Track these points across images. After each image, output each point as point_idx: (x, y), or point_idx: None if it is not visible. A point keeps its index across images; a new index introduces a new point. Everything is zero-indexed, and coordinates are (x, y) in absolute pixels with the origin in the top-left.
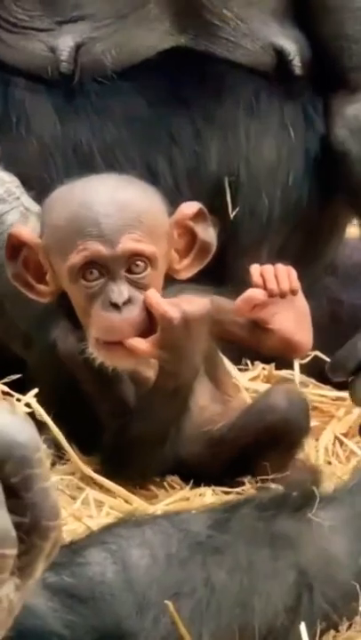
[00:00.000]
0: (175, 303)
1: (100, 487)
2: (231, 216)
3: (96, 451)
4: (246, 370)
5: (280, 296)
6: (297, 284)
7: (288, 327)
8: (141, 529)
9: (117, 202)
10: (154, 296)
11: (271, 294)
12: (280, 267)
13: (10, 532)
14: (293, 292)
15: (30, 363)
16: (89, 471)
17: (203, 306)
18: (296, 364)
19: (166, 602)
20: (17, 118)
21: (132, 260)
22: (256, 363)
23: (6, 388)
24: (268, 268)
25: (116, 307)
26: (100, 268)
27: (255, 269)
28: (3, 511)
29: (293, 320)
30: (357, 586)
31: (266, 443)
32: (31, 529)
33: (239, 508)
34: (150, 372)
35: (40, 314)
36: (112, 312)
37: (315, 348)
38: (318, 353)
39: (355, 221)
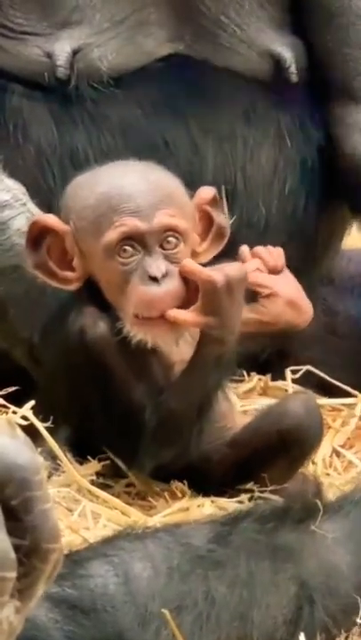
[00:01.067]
0: (215, 268)
1: (97, 498)
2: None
3: (101, 454)
4: (242, 381)
5: (273, 271)
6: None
7: (291, 290)
8: (143, 542)
9: (148, 180)
10: (192, 264)
11: (266, 266)
12: (270, 247)
13: (9, 554)
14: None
15: (36, 370)
16: (85, 483)
17: (241, 268)
18: (288, 376)
19: (163, 610)
20: (14, 125)
21: (166, 236)
22: (252, 374)
23: (2, 401)
24: (259, 248)
25: (155, 280)
26: (135, 243)
27: (245, 249)
28: (2, 534)
29: (293, 287)
30: (359, 599)
31: (277, 448)
32: (31, 551)
33: (240, 520)
34: (177, 357)
35: (50, 312)
36: (151, 286)
37: (310, 358)
38: (310, 367)
39: (351, 232)
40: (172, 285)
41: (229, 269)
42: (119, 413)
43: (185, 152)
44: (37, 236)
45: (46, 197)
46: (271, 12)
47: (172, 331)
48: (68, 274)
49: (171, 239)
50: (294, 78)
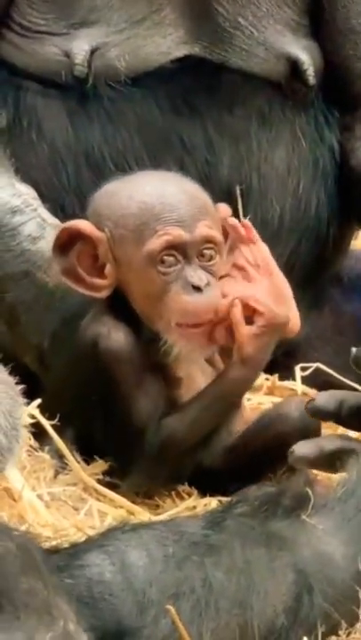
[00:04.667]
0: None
1: (104, 497)
2: None
3: (108, 456)
4: None
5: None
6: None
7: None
8: (138, 532)
9: (186, 191)
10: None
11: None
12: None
13: None
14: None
15: (45, 375)
16: (92, 482)
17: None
18: (298, 373)
19: (168, 607)
20: (28, 123)
21: (205, 247)
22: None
23: None
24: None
25: (197, 290)
26: (177, 253)
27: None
28: None
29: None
30: (358, 589)
31: (275, 451)
32: None
33: (234, 507)
34: (182, 372)
35: (62, 319)
36: (195, 295)
37: (317, 358)
38: (320, 365)
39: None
40: (214, 294)
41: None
42: (121, 426)
43: (201, 151)
44: (66, 241)
45: (60, 196)
46: (289, 15)
47: (212, 342)
48: (98, 281)
49: (207, 251)
50: (312, 81)
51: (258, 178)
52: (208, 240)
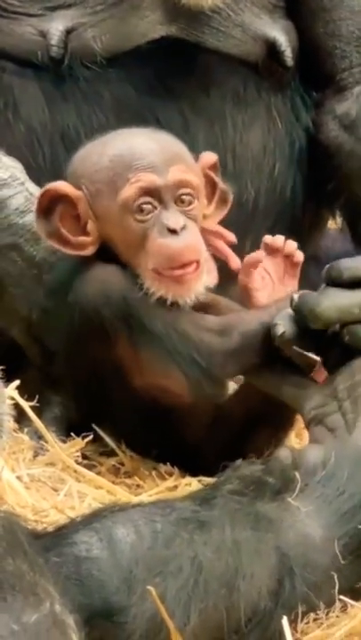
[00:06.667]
0: None
1: (83, 478)
2: None
3: (86, 431)
4: None
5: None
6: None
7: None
8: (126, 511)
9: (158, 140)
10: None
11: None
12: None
13: None
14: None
15: (32, 348)
16: (71, 462)
17: None
18: None
19: (149, 587)
20: (4, 103)
21: (181, 193)
22: None
23: None
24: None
25: (173, 233)
26: (152, 199)
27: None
28: None
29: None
30: (335, 572)
31: (259, 419)
32: None
33: (223, 485)
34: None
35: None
36: (170, 238)
37: None
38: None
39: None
40: (191, 237)
41: None
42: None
43: (176, 132)
44: (48, 205)
45: (36, 176)
46: None
47: (192, 286)
48: (83, 239)
49: (185, 197)
50: (289, 62)
51: (233, 159)
52: (183, 184)
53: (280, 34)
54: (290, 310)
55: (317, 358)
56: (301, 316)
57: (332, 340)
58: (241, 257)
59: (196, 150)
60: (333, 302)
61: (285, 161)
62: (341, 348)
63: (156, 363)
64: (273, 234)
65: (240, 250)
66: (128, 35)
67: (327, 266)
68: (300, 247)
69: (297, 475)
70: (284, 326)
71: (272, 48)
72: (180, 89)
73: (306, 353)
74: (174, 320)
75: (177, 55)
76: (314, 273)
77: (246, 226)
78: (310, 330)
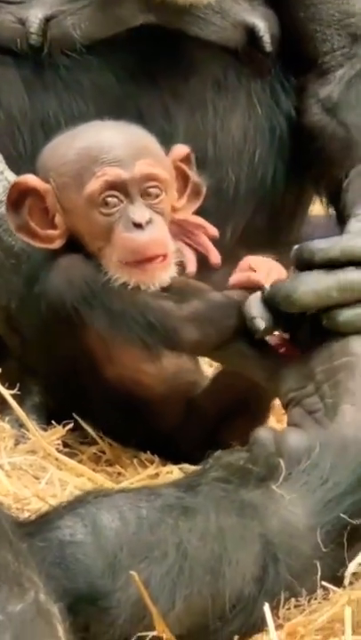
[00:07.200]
0: None
1: (65, 466)
2: None
3: (66, 419)
4: None
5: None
6: None
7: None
8: (110, 497)
9: (125, 134)
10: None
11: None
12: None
13: None
14: None
15: (12, 338)
16: (52, 450)
17: None
18: None
19: (132, 572)
20: None
21: (148, 186)
22: None
23: None
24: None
25: (139, 227)
26: (118, 193)
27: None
28: None
29: None
30: (317, 560)
31: (237, 406)
32: None
33: (209, 472)
34: None
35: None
36: (136, 232)
37: None
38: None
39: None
40: (157, 232)
41: None
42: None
43: (157, 119)
44: (17, 198)
45: (16, 164)
46: None
47: (156, 276)
48: (51, 232)
49: (152, 190)
50: (268, 48)
51: (214, 146)
52: (149, 177)
53: (259, 20)
54: (259, 298)
55: (287, 336)
56: (275, 302)
57: (302, 318)
58: (222, 243)
59: (176, 138)
60: (310, 287)
61: (266, 147)
62: (312, 326)
63: (118, 339)
64: (254, 220)
65: (221, 236)
66: (108, 22)
67: (295, 248)
68: (281, 233)
69: (281, 462)
70: (263, 319)
71: (251, 34)
72: (161, 76)
73: (279, 333)
74: (134, 295)
75: (157, 43)
76: None
77: (227, 213)
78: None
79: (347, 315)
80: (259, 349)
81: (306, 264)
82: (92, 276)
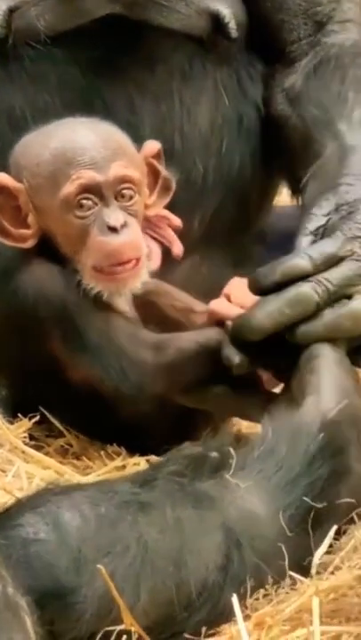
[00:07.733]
0: None
1: (31, 459)
2: None
3: (32, 412)
4: None
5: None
6: None
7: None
8: (69, 494)
9: (100, 134)
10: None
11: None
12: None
13: None
14: None
15: None
16: (19, 443)
17: None
18: None
19: (98, 566)
20: None
21: (122, 188)
22: None
23: None
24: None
25: (114, 230)
26: (93, 196)
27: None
28: None
29: None
30: (283, 544)
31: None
32: None
33: (164, 466)
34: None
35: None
36: (110, 236)
37: None
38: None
39: (282, 190)
40: (131, 235)
41: None
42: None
43: (122, 111)
44: None
45: None
46: None
47: (129, 283)
48: (23, 231)
49: (126, 191)
50: (234, 34)
51: (180, 137)
52: (124, 180)
53: (224, 7)
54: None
55: (266, 371)
56: (241, 335)
57: (276, 345)
58: (189, 234)
59: (142, 130)
60: (265, 310)
61: (233, 137)
62: (287, 350)
63: (88, 371)
64: (221, 211)
65: (189, 227)
66: (72, 13)
67: (249, 277)
68: (249, 224)
69: (232, 451)
70: (236, 355)
71: (216, 21)
72: (126, 68)
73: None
74: (111, 330)
75: (122, 33)
76: (260, 250)
77: (195, 203)
78: (255, 344)
79: (304, 328)
80: (238, 389)
81: (263, 292)
82: (68, 294)
